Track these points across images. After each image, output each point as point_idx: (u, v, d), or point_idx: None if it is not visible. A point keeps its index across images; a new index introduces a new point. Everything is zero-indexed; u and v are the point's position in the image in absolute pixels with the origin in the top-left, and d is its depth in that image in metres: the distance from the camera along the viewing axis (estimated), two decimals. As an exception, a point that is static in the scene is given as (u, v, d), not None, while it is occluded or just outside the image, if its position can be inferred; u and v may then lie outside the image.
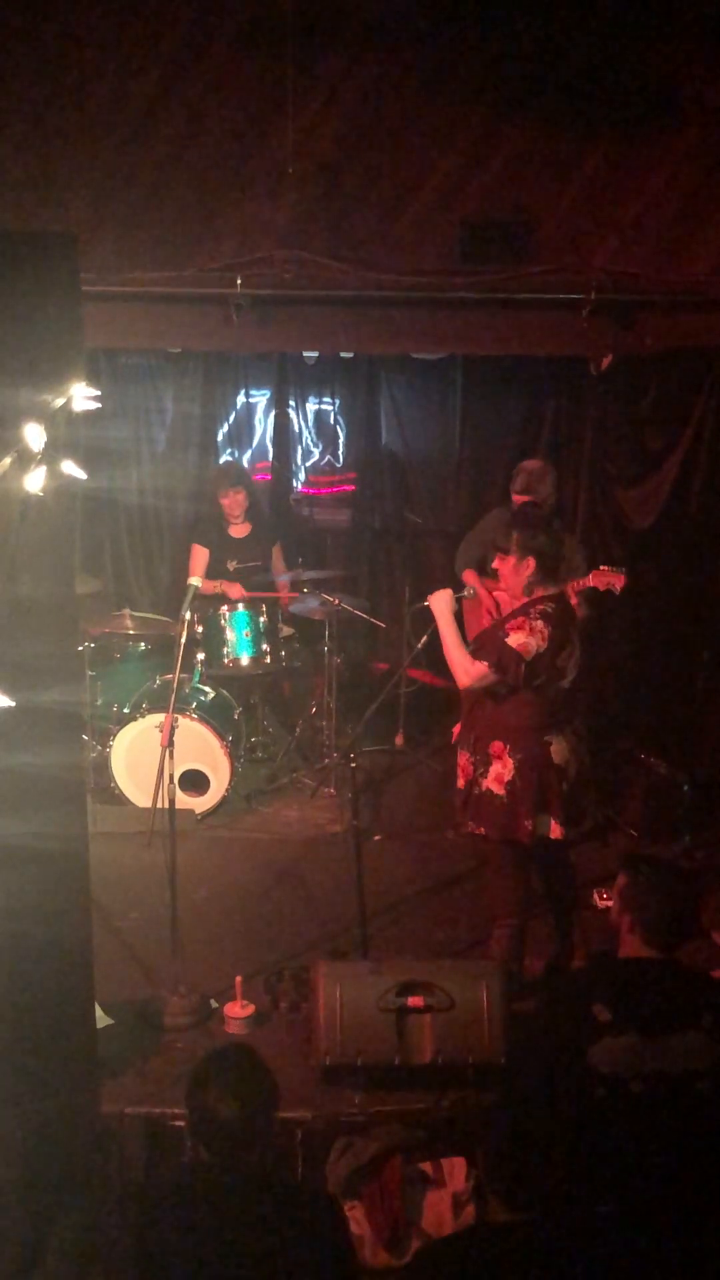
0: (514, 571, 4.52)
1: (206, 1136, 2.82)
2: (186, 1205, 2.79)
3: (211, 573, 6.91)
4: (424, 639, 5.07)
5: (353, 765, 5.10)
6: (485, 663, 4.43)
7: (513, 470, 6.44)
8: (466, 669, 4.47)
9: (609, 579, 5.39)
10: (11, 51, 5.90)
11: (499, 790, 4.51)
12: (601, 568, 5.48)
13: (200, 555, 7.07)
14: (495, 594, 5.97)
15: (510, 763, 4.50)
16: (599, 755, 6.47)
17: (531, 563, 4.47)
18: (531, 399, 7.55)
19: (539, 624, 4.39)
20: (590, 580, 5.42)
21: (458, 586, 6.49)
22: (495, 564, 4.62)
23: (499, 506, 6.54)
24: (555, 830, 4.54)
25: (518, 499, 6.17)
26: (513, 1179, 2.68)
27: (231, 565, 7.01)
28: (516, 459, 7.02)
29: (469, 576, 6.45)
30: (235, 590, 6.85)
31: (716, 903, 4.53)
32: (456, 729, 4.82)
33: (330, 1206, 2.89)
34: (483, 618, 5.91)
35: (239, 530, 7.09)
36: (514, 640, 4.39)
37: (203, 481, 7.51)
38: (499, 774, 4.51)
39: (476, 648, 4.54)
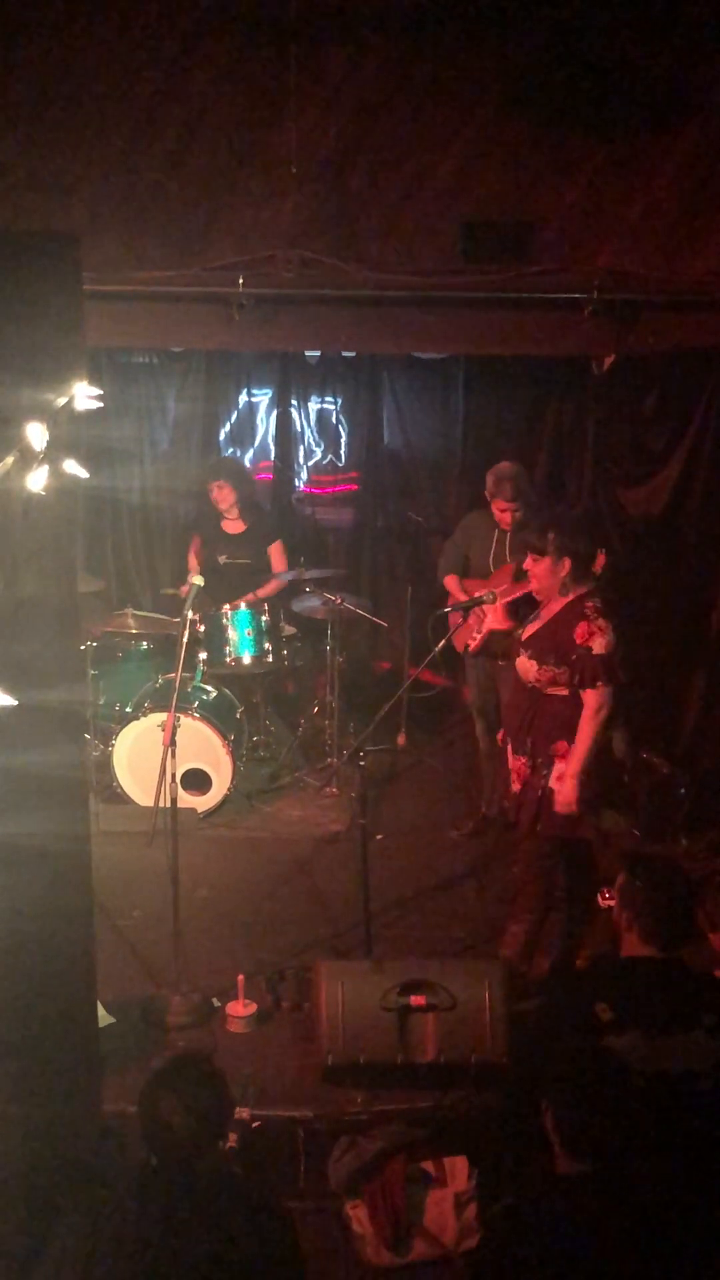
0: (550, 572, 4.57)
1: (156, 1144, 2.84)
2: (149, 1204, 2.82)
3: (203, 566, 6.92)
4: (441, 644, 5.16)
5: (362, 764, 5.11)
6: (599, 684, 4.44)
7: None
8: (596, 709, 4.46)
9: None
10: (13, 50, 5.90)
11: None
12: None
13: (197, 544, 7.11)
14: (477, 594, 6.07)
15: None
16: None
17: (568, 563, 4.54)
18: (534, 399, 7.54)
19: (601, 622, 4.46)
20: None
21: (442, 593, 6.53)
22: (527, 564, 4.66)
23: (476, 510, 6.54)
24: (618, 823, 4.56)
25: (505, 505, 6.14)
26: (578, 1129, 2.77)
27: (221, 559, 7.01)
28: (518, 459, 7.01)
29: (450, 582, 6.44)
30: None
31: (716, 904, 4.53)
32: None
33: (278, 1213, 2.91)
34: (470, 623, 5.96)
35: (233, 526, 7.09)
36: (599, 646, 4.44)
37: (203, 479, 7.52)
38: (564, 772, 4.52)
39: (571, 673, 4.49)
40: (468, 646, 5.87)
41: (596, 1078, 2.86)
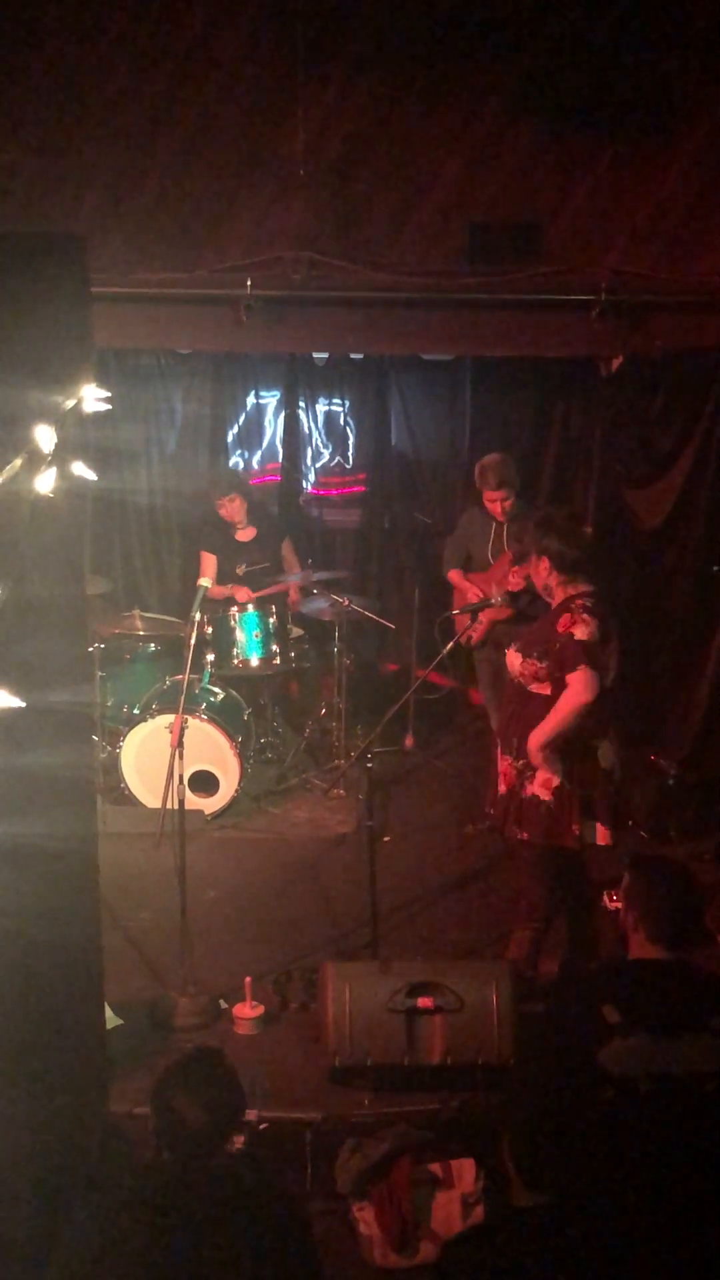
0: (534, 570, 4.63)
1: (170, 1138, 2.84)
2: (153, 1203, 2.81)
3: (221, 577, 6.92)
4: (449, 646, 5.25)
5: (369, 766, 5.11)
6: (581, 666, 4.35)
7: (524, 471, 6.48)
8: (580, 691, 4.36)
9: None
10: (22, 53, 5.92)
11: (546, 796, 4.46)
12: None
13: (209, 561, 7.08)
14: (479, 589, 6.29)
15: (559, 768, 4.47)
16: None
17: (545, 561, 4.53)
18: (541, 400, 7.54)
19: (585, 616, 4.41)
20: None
21: (446, 587, 6.60)
22: (529, 569, 4.74)
23: (473, 506, 6.60)
24: (602, 836, 4.51)
25: (492, 495, 6.25)
26: (536, 1160, 2.73)
27: (240, 569, 7.01)
28: (526, 460, 7.02)
29: (454, 576, 6.51)
30: (243, 594, 6.86)
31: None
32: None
33: (291, 1210, 2.91)
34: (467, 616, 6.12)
35: (244, 534, 7.09)
36: (581, 633, 4.38)
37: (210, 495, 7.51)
38: (546, 780, 4.46)
39: (554, 664, 4.44)
40: (470, 639, 5.89)
41: (554, 1110, 2.82)
